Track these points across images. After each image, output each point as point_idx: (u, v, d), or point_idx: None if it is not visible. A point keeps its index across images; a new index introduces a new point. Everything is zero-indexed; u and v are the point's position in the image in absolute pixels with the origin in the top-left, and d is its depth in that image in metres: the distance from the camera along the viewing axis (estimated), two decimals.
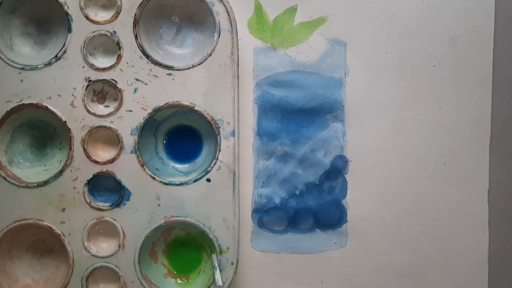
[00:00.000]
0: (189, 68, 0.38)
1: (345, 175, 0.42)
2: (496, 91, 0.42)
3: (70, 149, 0.37)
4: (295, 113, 0.41)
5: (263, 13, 0.41)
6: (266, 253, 0.42)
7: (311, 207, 0.42)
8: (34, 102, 0.37)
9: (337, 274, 0.42)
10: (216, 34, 0.38)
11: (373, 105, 0.42)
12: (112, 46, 0.37)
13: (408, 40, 0.41)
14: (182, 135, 0.40)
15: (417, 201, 0.42)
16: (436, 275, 0.42)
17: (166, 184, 0.38)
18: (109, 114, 0.37)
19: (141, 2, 0.37)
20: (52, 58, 0.37)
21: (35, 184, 0.37)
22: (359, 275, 0.42)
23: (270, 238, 0.42)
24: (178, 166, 0.40)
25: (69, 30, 0.37)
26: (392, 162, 0.42)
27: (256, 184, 0.42)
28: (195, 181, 0.38)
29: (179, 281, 0.40)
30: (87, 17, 0.37)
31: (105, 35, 0.37)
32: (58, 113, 0.37)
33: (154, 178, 0.38)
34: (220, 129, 0.38)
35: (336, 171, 0.42)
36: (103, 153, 0.38)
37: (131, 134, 0.38)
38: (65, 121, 0.37)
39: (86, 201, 0.37)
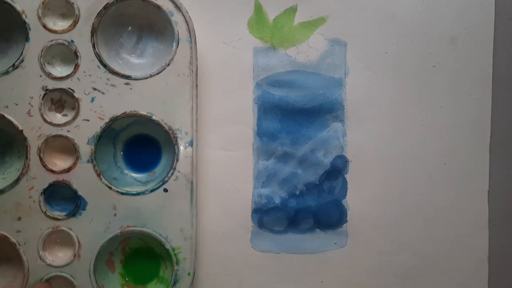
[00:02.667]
0: (147, 78, 0.38)
1: (345, 175, 0.42)
2: (496, 91, 0.42)
3: (27, 158, 0.37)
4: (295, 113, 0.41)
5: (263, 13, 0.41)
6: (266, 253, 0.42)
7: (311, 207, 0.42)
8: None
9: (337, 274, 0.42)
10: (174, 44, 0.37)
11: (373, 105, 0.42)
12: (70, 55, 0.37)
13: (408, 40, 0.41)
14: (141, 144, 0.40)
15: (417, 201, 0.42)
16: (436, 275, 0.42)
17: (122, 194, 0.37)
18: (66, 123, 0.37)
19: (99, 12, 0.37)
20: (10, 67, 0.37)
21: None
22: (359, 275, 0.42)
23: (270, 238, 0.42)
24: (136, 175, 0.40)
25: (27, 39, 0.37)
26: (392, 162, 0.42)
27: (256, 184, 0.41)
28: (152, 191, 0.38)
29: None
30: (45, 26, 0.37)
31: (63, 44, 0.37)
32: (15, 122, 0.37)
33: (110, 188, 0.37)
34: (178, 139, 0.38)
35: (336, 171, 0.42)
36: (60, 162, 0.38)
37: (88, 143, 0.37)
38: (22, 130, 0.37)
39: (42, 210, 0.37)
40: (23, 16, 0.37)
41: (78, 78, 0.37)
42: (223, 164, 0.41)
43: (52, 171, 0.37)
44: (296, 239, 0.42)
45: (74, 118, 0.37)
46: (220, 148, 0.41)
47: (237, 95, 0.41)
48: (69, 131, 0.37)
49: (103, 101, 0.37)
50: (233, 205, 0.41)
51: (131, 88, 0.38)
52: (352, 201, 0.42)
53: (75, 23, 0.37)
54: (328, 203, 0.42)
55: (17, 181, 0.37)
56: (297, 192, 0.42)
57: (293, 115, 0.41)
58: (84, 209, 0.38)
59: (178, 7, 0.37)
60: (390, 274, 0.42)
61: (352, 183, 0.42)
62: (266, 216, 0.42)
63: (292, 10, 0.41)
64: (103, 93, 0.37)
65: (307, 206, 0.42)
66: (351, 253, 0.42)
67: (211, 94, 0.41)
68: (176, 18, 0.37)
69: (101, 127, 0.37)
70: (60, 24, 0.38)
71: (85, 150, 0.37)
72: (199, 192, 0.40)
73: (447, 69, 0.42)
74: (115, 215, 0.38)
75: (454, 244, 0.42)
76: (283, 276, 0.42)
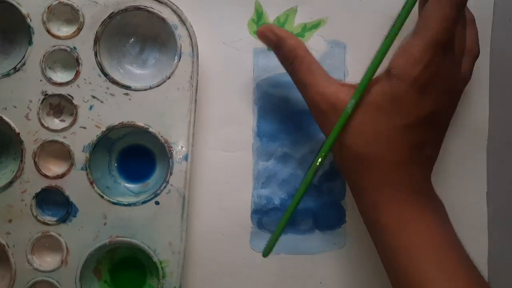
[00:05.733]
0: (146, 90, 0.37)
1: None
2: (493, 93, 0.42)
3: (21, 161, 0.37)
4: (295, 114, 0.41)
5: (263, 14, 0.41)
6: None
7: (310, 208, 0.42)
8: None
9: (336, 275, 0.42)
10: (176, 57, 0.37)
11: None
12: (71, 61, 0.37)
13: None
14: (137, 154, 0.40)
15: None
16: None
17: (114, 203, 0.37)
18: (63, 129, 0.37)
19: (104, 20, 0.37)
20: (11, 69, 0.37)
21: None
22: (358, 276, 0.42)
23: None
24: (129, 185, 0.40)
25: (30, 42, 0.37)
26: None
27: (255, 185, 0.41)
28: (143, 202, 0.37)
29: None
30: (49, 31, 0.37)
31: (65, 50, 0.37)
32: (12, 125, 0.37)
33: (102, 197, 0.37)
34: (173, 153, 0.38)
35: (335, 172, 0.42)
36: (54, 168, 0.38)
37: (83, 150, 0.37)
38: (19, 133, 0.37)
39: (32, 214, 0.37)
40: (28, 20, 0.37)
41: (78, 85, 0.37)
42: (222, 164, 0.41)
43: (45, 176, 0.37)
44: (295, 240, 0.42)
45: (71, 125, 0.37)
46: (220, 148, 0.41)
47: (237, 96, 0.41)
48: (65, 137, 0.37)
49: (101, 110, 0.37)
50: (233, 205, 0.41)
51: (130, 99, 0.38)
52: (351, 202, 0.42)
53: (79, 30, 0.37)
54: (327, 204, 0.42)
55: (10, 183, 0.37)
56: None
57: (293, 116, 0.41)
58: (74, 216, 0.38)
59: (183, 21, 0.37)
60: None
61: None
62: (265, 217, 0.41)
63: (292, 11, 0.41)
64: (101, 101, 0.37)
65: (306, 207, 0.42)
66: (350, 254, 0.42)
67: (211, 94, 0.41)
68: (180, 32, 0.37)
69: (97, 135, 0.37)
70: (64, 30, 0.38)
71: (80, 157, 0.37)
72: (198, 193, 0.41)
73: None
74: (105, 224, 0.38)
75: None
76: (282, 277, 0.42)
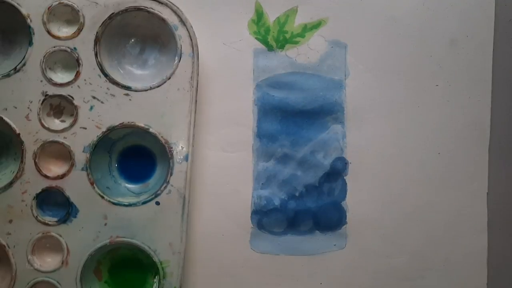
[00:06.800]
0: (146, 90, 0.38)
1: (345, 177, 0.42)
2: (495, 94, 0.42)
3: (22, 161, 0.37)
4: (295, 115, 0.41)
5: (264, 14, 0.41)
6: (265, 254, 0.42)
7: (310, 209, 0.42)
8: None
9: (336, 276, 0.42)
10: (176, 58, 0.37)
11: (373, 107, 0.42)
12: (71, 62, 0.37)
13: (408, 43, 0.41)
14: (137, 155, 0.40)
15: (417, 204, 0.42)
16: (435, 278, 0.42)
17: (114, 204, 0.37)
18: (63, 130, 0.37)
19: (104, 21, 0.37)
20: (11, 70, 0.37)
21: None
22: (358, 277, 0.42)
23: (270, 239, 0.42)
24: (130, 186, 0.40)
25: (30, 43, 0.37)
26: (391, 164, 0.42)
27: (255, 186, 0.41)
28: (144, 203, 0.38)
29: None
30: (49, 32, 0.37)
31: (65, 51, 0.37)
32: (13, 125, 0.37)
33: (102, 197, 0.37)
34: (174, 153, 0.38)
35: (336, 173, 0.42)
36: (55, 168, 0.38)
37: (83, 151, 0.37)
38: (19, 134, 0.37)
39: (33, 215, 0.37)
40: (28, 20, 0.37)
41: (78, 86, 0.37)
42: (222, 165, 0.41)
43: (46, 176, 0.37)
44: (295, 241, 0.42)
45: (71, 125, 0.37)
46: (220, 149, 0.41)
47: (237, 97, 0.41)
48: (66, 138, 0.37)
49: (102, 110, 0.37)
50: (233, 206, 0.41)
51: (130, 99, 0.38)
52: (352, 203, 0.42)
53: (79, 30, 0.37)
54: (328, 205, 0.42)
55: (11, 183, 0.37)
56: (297, 194, 0.42)
57: (293, 116, 0.41)
58: (75, 217, 0.38)
59: (183, 22, 0.37)
60: (389, 276, 0.42)
61: (351, 185, 0.42)
62: (265, 218, 0.41)
63: (293, 11, 0.41)
64: (102, 102, 0.37)
65: (306, 208, 0.42)
66: (350, 255, 0.42)
67: (211, 95, 0.41)
68: (180, 32, 0.37)
69: (97, 136, 0.37)
70: (65, 31, 0.38)
71: (80, 157, 0.37)
72: (198, 193, 0.41)
73: (447, 72, 0.42)
74: (105, 224, 0.38)
75: (453, 246, 0.42)
76: (282, 278, 0.42)
